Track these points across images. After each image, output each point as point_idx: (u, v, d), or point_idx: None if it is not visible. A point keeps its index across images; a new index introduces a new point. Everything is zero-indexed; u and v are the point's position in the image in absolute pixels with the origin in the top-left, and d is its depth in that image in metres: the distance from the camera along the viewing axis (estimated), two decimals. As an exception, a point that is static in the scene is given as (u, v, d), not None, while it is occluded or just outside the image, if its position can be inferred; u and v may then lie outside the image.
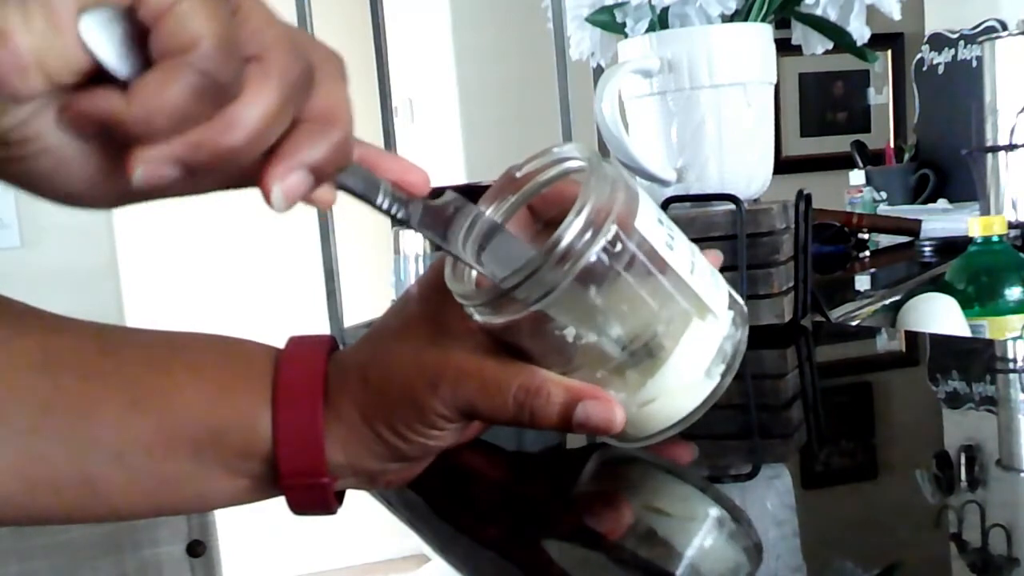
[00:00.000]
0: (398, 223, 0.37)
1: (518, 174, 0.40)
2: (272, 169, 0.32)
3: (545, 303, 0.35)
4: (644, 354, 0.37)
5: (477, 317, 0.37)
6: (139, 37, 0.29)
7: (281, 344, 0.41)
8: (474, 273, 0.39)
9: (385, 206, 0.36)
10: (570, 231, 0.34)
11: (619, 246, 0.35)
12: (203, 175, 0.31)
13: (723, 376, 0.40)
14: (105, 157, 0.31)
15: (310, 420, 0.38)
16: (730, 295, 0.40)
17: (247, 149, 0.31)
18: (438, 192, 0.38)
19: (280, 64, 0.31)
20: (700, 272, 0.38)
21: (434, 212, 0.37)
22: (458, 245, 0.37)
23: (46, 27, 0.28)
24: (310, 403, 0.38)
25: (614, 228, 0.35)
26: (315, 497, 0.40)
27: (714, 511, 0.42)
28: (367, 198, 0.36)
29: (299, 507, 0.40)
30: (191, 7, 0.29)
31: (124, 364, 0.39)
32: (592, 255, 0.35)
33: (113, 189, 0.33)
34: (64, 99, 0.30)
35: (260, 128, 0.31)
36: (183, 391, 0.39)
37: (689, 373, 0.39)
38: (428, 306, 0.40)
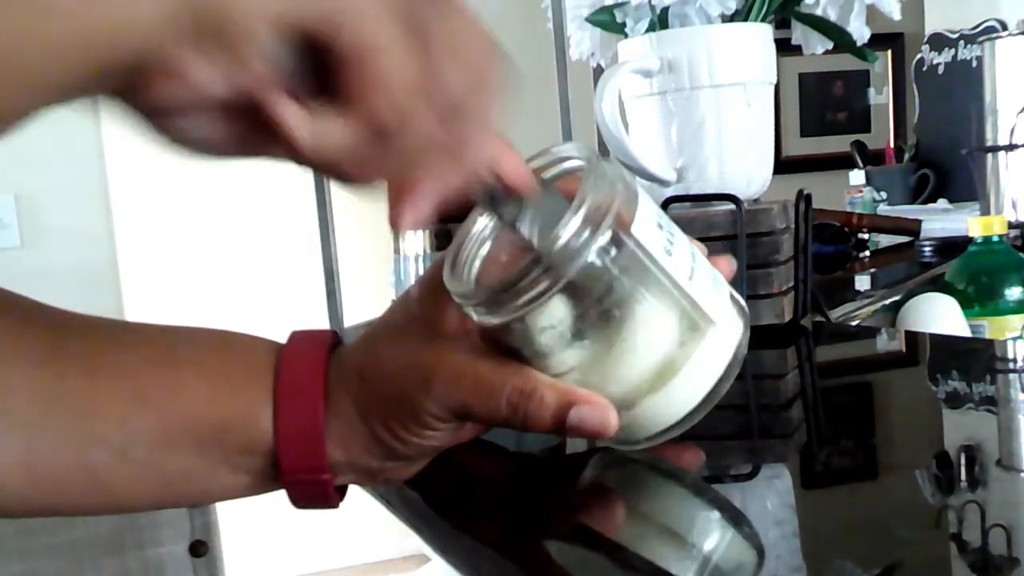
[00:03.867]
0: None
1: None
2: (402, 208, 0.33)
3: (541, 303, 0.35)
4: (637, 356, 0.37)
5: (474, 316, 0.37)
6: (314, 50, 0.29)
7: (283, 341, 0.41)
8: (474, 272, 0.39)
9: (487, 207, 0.37)
10: (567, 230, 0.34)
11: (616, 247, 0.35)
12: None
13: (722, 378, 0.39)
14: (243, 133, 0.32)
15: (311, 418, 0.38)
16: (732, 298, 0.40)
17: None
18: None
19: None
20: (700, 276, 0.38)
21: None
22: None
23: (228, 64, 0.28)
24: (311, 401, 0.39)
25: (611, 228, 0.35)
26: (316, 492, 0.40)
27: (714, 511, 0.42)
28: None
29: (300, 501, 0.41)
30: (392, 54, 0.29)
31: (128, 359, 0.39)
32: (589, 255, 0.34)
33: (238, 152, 0.33)
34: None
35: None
36: (186, 386, 0.39)
37: (687, 375, 0.39)
38: (426, 306, 0.40)
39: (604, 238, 0.35)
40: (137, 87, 0.28)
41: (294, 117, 0.30)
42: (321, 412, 0.38)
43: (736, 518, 0.40)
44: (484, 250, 0.41)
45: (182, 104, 0.29)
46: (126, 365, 0.39)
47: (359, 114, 0.30)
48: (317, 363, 0.39)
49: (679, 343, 0.38)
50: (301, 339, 0.41)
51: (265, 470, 0.39)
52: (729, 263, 0.43)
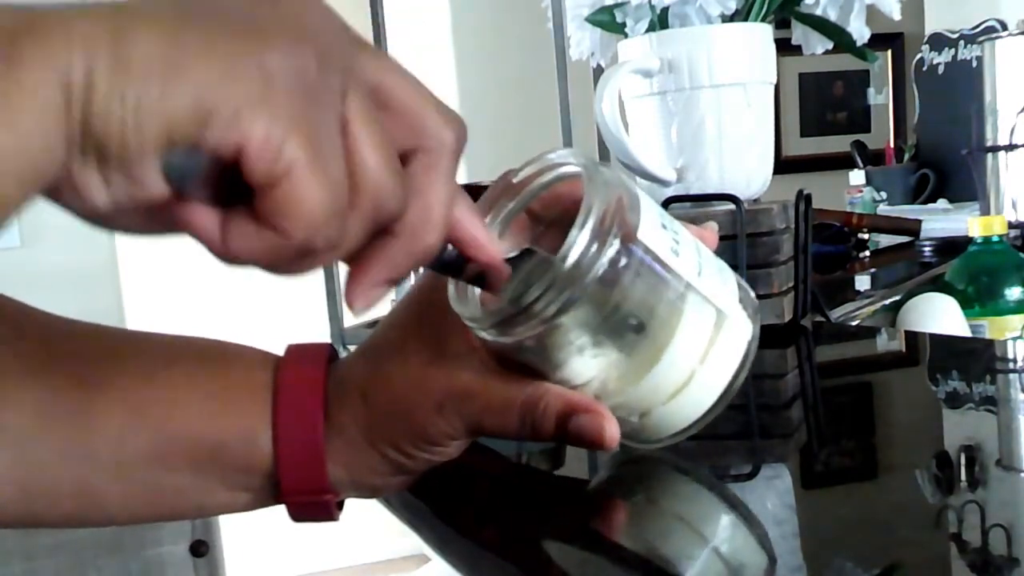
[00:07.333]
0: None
1: (515, 179, 0.39)
2: (356, 286, 0.31)
3: (554, 323, 0.34)
4: (655, 360, 0.37)
5: (486, 338, 0.36)
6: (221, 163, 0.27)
7: (281, 346, 0.41)
8: (479, 294, 0.38)
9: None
10: (576, 248, 0.33)
11: (625, 257, 0.35)
12: None
13: (737, 373, 0.39)
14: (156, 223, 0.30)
15: (312, 441, 0.38)
16: (739, 288, 0.40)
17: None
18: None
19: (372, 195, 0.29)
20: (707, 272, 0.38)
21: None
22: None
23: (125, 182, 0.26)
24: (311, 423, 0.38)
25: (619, 240, 0.34)
26: (317, 510, 0.40)
27: (715, 511, 0.42)
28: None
29: (300, 517, 0.40)
30: (303, 181, 0.26)
31: (123, 373, 0.39)
32: (599, 269, 0.34)
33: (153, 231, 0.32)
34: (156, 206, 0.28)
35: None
36: (182, 404, 0.38)
37: (702, 374, 0.38)
38: (426, 318, 0.39)
39: (613, 249, 0.34)
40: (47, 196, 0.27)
41: (203, 220, 0.28)
42: (321, 434, 0.38)
43: (737, 518, 0.40)
44: None
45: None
46: (121, 380, 0.39)
47: (275, 230, 0.27)
48: (316, 382, 0.39)
49: (695, 343, 0.38)
50: (298, 355, 0.40)
51: (264, 489, 0.39)
52: (712, 232, 0.42)
